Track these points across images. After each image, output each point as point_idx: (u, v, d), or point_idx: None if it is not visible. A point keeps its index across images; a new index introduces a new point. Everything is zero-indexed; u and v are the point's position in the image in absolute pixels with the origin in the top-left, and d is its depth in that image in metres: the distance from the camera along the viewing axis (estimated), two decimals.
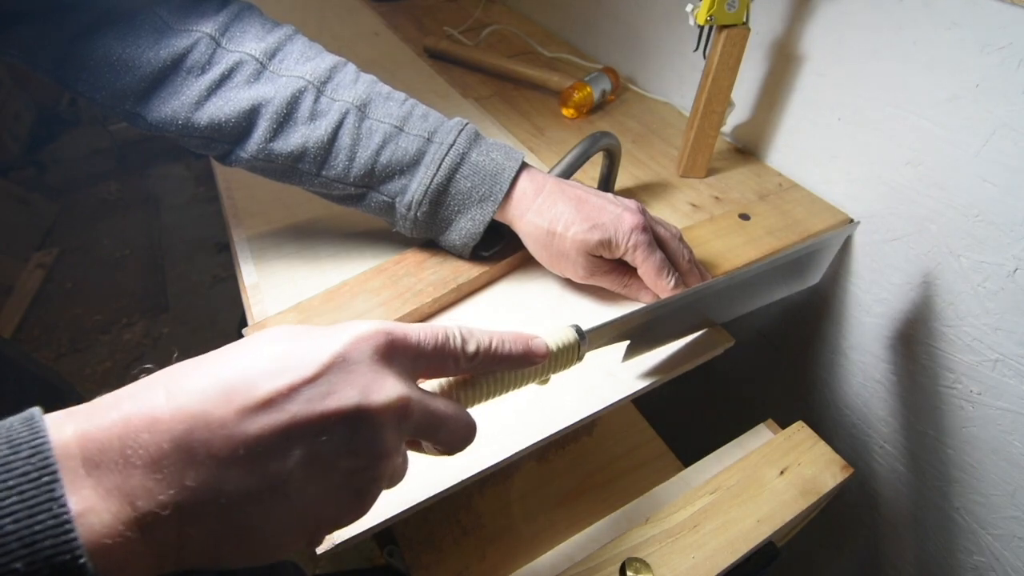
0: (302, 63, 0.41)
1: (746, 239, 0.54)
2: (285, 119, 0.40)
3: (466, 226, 0.43)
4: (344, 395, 0.20)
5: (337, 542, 0.32)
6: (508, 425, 0.38)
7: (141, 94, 0.39)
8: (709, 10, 0.51)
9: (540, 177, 0.44)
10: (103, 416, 0.18)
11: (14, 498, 0.16)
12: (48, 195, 1.87)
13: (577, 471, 0.56)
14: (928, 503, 0.61)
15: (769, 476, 0.45)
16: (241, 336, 0.32)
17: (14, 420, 0.18)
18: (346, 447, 0.21)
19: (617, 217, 0.42)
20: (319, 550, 0.32)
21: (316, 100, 0.41)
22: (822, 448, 0.47)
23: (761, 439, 0.49)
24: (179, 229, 1.81)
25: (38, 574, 0.15)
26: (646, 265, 0.43)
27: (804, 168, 0.61)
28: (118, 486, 0.17)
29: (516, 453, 0.37)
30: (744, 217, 0.56)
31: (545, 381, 0.30)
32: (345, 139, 0.41)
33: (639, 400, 0.44)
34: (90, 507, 0.17)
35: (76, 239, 1.78)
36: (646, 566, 0.39)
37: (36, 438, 0.17)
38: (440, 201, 0.42)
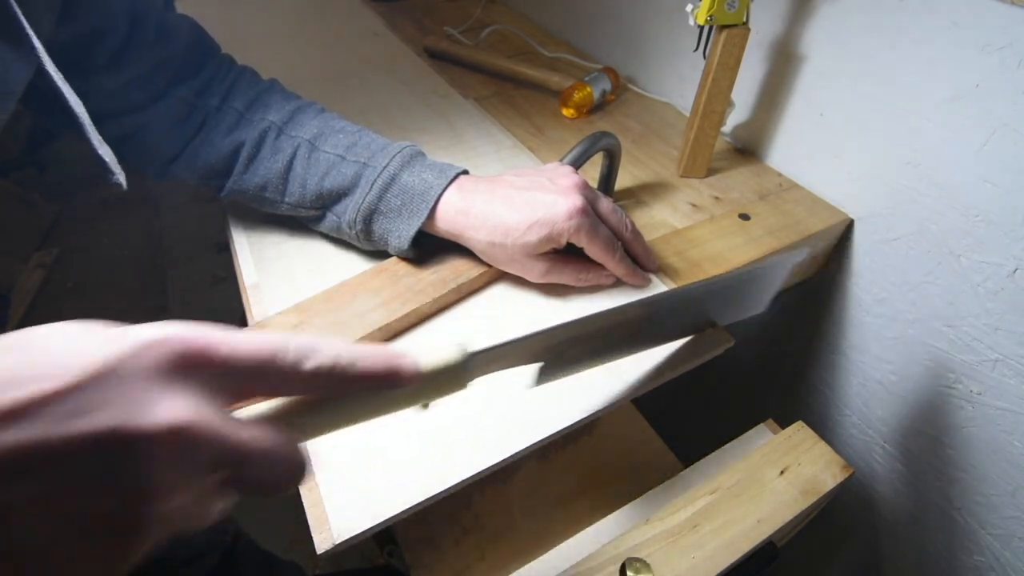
0: (272, 109, 0.48)
1: (746, 239, 0.54)
2: (253, 156, 0.47)
3: (395, 243, 0.45)
4: (101, 416, 0.17)
5: (337, 542, 0.32)
6: (508, 425, 0.38)
7: (168, 161, 0.48)
8: (709, 10, 0.51)
9: (471, 187, 0.44)
10: None
11: None
12: (48, 195, 1.87)
13: (577, 471, 0.56)
14: (928, 503, 0.61)
15: (769, 476, 0.45)
16: None
17: None
18: (94, 482, 0.17)
19: (552, 205, 0.42)
20: (319, 550, 0.32)
21: (277, 138, 0.47)
22: (822, 448, 0.47)
23: (761, 439, 0.49)
24: (179, 229, 1.81)
25: None
26: (593, 246, 0.43)
27: (804, 168, 0.61)
28: None
29: (516, 453, 0.37)
30: (744, 217, 0.56)
31: (424, 406, 0.25)
32: (298, 169, 0.46)
33: (639, 400, 0.44)
34: None
35: (76, 239, 1.78)
36: (646, 566, 0.39)
37: None
38: (373, 219, 0.45)
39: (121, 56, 0.43)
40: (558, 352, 0.32)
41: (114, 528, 0.17)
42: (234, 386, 0.20)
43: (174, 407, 0.18)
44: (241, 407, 0.22)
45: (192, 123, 0.48)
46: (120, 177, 0.38)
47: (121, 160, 0.46)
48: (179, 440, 0.18)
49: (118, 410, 0.17)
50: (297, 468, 0.21)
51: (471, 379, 0.25)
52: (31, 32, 0.31)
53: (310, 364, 0.21)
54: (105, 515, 0.17)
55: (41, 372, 0.17)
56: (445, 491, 0.34)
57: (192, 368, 0.19)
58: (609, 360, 0.39)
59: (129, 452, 0.17)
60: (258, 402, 0.22)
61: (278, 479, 0.21)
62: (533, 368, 0.32)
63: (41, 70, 0.33)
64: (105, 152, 0.37)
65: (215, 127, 0.48)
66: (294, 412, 0.22)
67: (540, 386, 0.33)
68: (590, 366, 0.37)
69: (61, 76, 0.34)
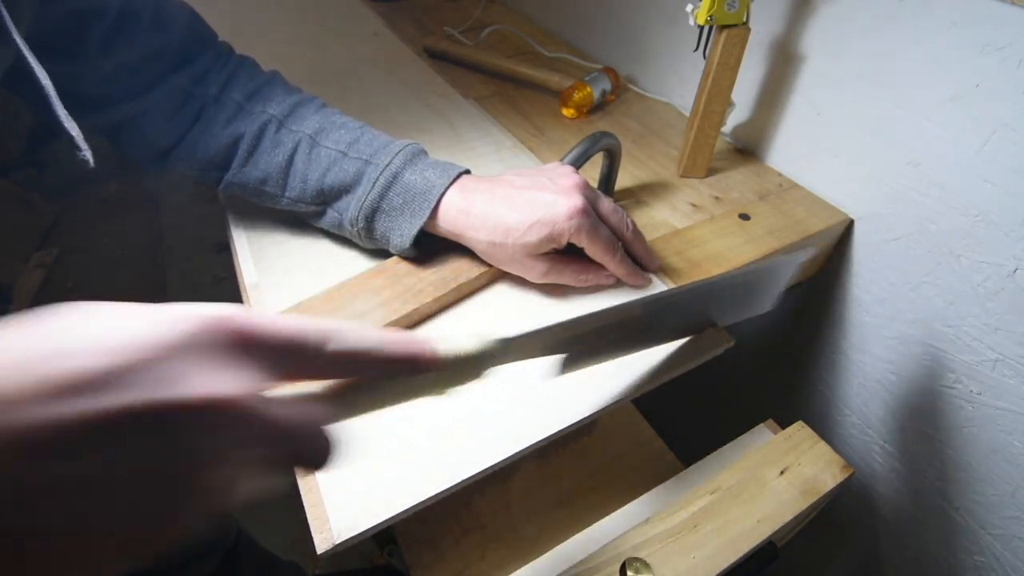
0: (272, 102, 0.48)
1: (746, 239, 0.54)
2: (253, 149, 0.47)
3: (397, 241, 0.45)
4: (155, 388, 0.17)
5: (337, 542, 0.32)
6: (508, 425, 0.38)
7: (166, 151, 0.48)
8: (709, 10, 0.51)
9: (472, 186, 0.44)
10: None
11: None
12: (48, 195, 1.87)
13: (577, 471, 0.56)
14: (928, 503, 0.61)
15: (769, 476, 0.45)
16: None
17: None
18: (149, 451, 0.17)
19: (552, 205, 0.42)
20: (319, 550, 0.32)
21: (277, 131, 0.47)
22: (822, 448, 0.47)
23: (761, 439, 0.49)
24: (179, 229, 1.80)
25: None
26: (593, 246, 0.43)
27: (804, 168, 0.61)
28: None
29: (516, 453, 0.37)
30: (744, 217, 0.56)
31: (442, 393, 0.26)
32: (299, 164, 0.46)
33: (639, 400, 0.44)
34: None
35: (76, 239, 1.78)
36: (646, 566, 0.39)
37: None
38: (375, 218, 0.45)
39: (113, 40, 0.43)
40: (573, 345, 0.33)
41: (163, 497, 0.18)
42: (272, 366, 0.20)
43: (223, 382, 0.18)
44: (281, 387, 0.22)
45: (189, 112, 0.47)
46: (87, 154, 0.38)
47: (118, 150, 0.47)
48: (227, 412, 0.18)
49: (172, 384, 0.17)
50: (329, 445, 0.21)
51: (487, 368, 0.26)
52: (4, 12, 0.31)
53: (332, 346, 0.21)
54: (156, 483, 0.17)
55: (93, 347, 0.17)
56: (445, 491, 0.34)
57: (237, 346, 0.19)
58: (616, 356, 0.39)
59: (182, 423, 0.17)
60: (299, 383, 0.22)
61: (313, 456, 0.21)
62: (547, 360, 0.32)
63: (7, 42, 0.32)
64: (71, 126, 0.37)
65: (213, 117, 0.47)
66: (328, 395, 0.22)
67: (562, 375, 0.34)
68: (606, 360, 0.39)
69: (26, 46, 0.33)
